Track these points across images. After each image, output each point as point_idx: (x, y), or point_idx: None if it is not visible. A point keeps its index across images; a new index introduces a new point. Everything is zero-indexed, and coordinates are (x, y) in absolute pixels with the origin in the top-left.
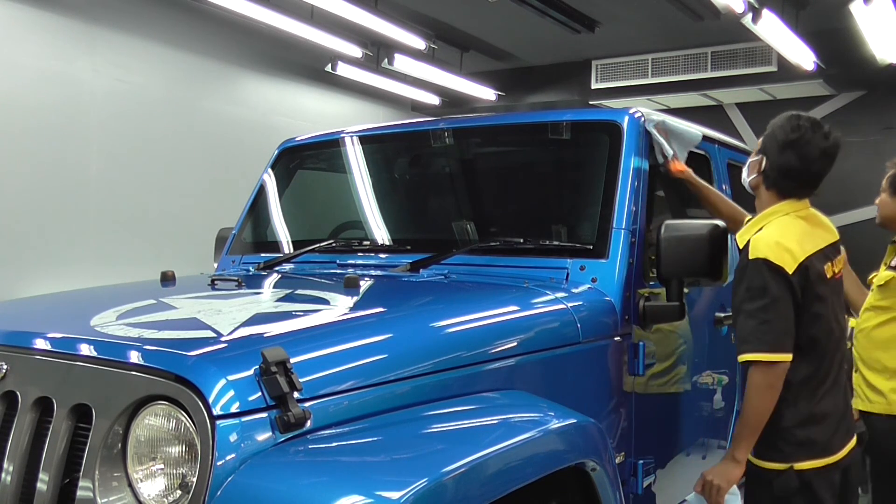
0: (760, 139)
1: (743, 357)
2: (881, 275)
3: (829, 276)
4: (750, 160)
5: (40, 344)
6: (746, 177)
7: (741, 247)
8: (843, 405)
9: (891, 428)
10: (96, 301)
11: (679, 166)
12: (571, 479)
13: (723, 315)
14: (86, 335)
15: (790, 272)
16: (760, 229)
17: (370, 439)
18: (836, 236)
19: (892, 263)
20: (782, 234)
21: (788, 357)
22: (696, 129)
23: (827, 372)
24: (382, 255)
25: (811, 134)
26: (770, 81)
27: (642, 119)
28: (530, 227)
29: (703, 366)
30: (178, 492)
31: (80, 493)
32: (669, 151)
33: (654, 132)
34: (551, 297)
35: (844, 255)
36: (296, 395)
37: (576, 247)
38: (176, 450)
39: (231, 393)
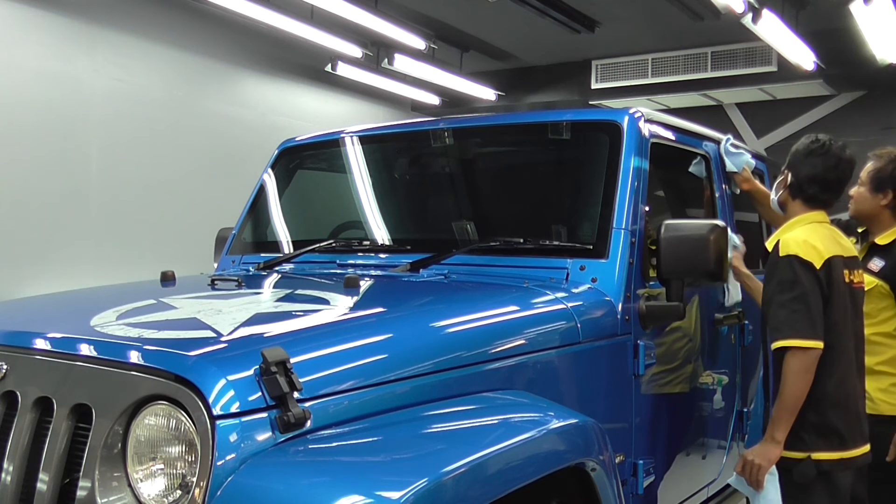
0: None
1: (777, 344)
2: (863, 279)
3: (847, 280)
4: (776, 182)
5: (40, 344)
6: (774, 196)
7: (770, 249)
8: (863, 409)
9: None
10: (96, 301)
11: (746, 182)
12: (571, 479)
13: (722, 315)
14: (86, 335)
15: (818, 267)
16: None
17: (370, 439)
18: (854, 253)
19: (871, 266)
20: (809, 235)
21: (820, 344)
22: (748, 155)
23: (842, 377)
24: (382, 255)
25: (830, 145)
26: (770, 81)
27: (642, 119)
28: (530, 227)
29: (703, 366)
30: (178, 492)
31: (80, 493)
32: (745, 165)
33: (730, 148)
34: (551, 297)
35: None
36: (296, 395)
37: (576, 247)
38: (176, 450)
39: (231, 393)
